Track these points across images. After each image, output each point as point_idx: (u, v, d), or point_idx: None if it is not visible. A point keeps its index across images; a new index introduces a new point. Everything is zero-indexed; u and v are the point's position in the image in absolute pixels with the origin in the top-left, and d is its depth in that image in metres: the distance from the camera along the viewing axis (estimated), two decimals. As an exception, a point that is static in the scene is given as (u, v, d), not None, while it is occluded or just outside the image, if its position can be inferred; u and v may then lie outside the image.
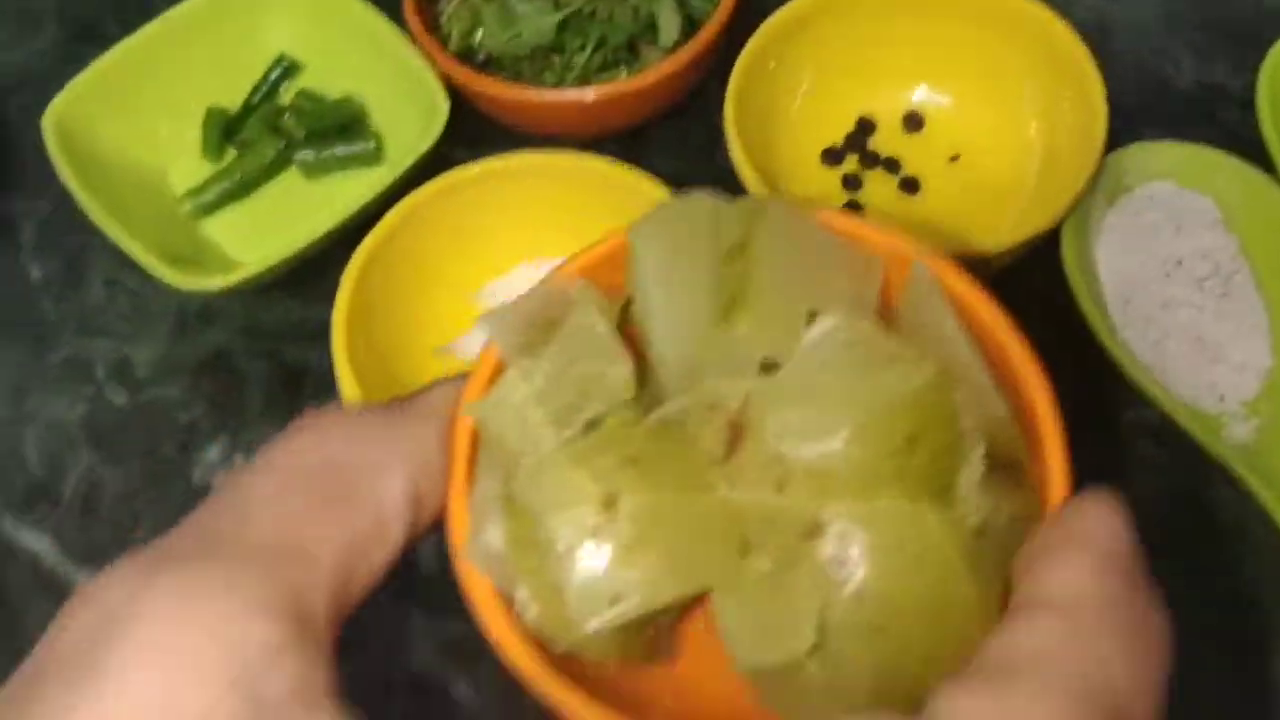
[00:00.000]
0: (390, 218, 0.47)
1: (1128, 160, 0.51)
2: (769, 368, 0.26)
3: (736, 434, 0.25)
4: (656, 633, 0.28)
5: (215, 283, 0.48)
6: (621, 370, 0.27)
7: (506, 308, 0.28)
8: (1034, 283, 0.49)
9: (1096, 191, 0.50)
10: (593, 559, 0.25)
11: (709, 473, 0.25)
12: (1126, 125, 0.50)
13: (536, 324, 0.28)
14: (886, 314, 0.28)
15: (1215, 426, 0.46)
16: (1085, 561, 0.24)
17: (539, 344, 0.28)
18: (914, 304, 0.28)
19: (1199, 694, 0.41)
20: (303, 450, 0.27)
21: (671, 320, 0.27)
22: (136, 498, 0.48)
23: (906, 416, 0.25)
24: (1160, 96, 0.56)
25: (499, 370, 0.28)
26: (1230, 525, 0.45)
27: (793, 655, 0.25)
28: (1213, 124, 0.54)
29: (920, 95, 0.54)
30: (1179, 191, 0.51)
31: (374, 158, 0.54)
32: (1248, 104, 0.52)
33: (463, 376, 0.29)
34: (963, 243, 0.46)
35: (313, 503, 0.26)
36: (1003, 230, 0.49)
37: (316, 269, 0.53)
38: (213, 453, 0.49)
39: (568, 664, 0.26)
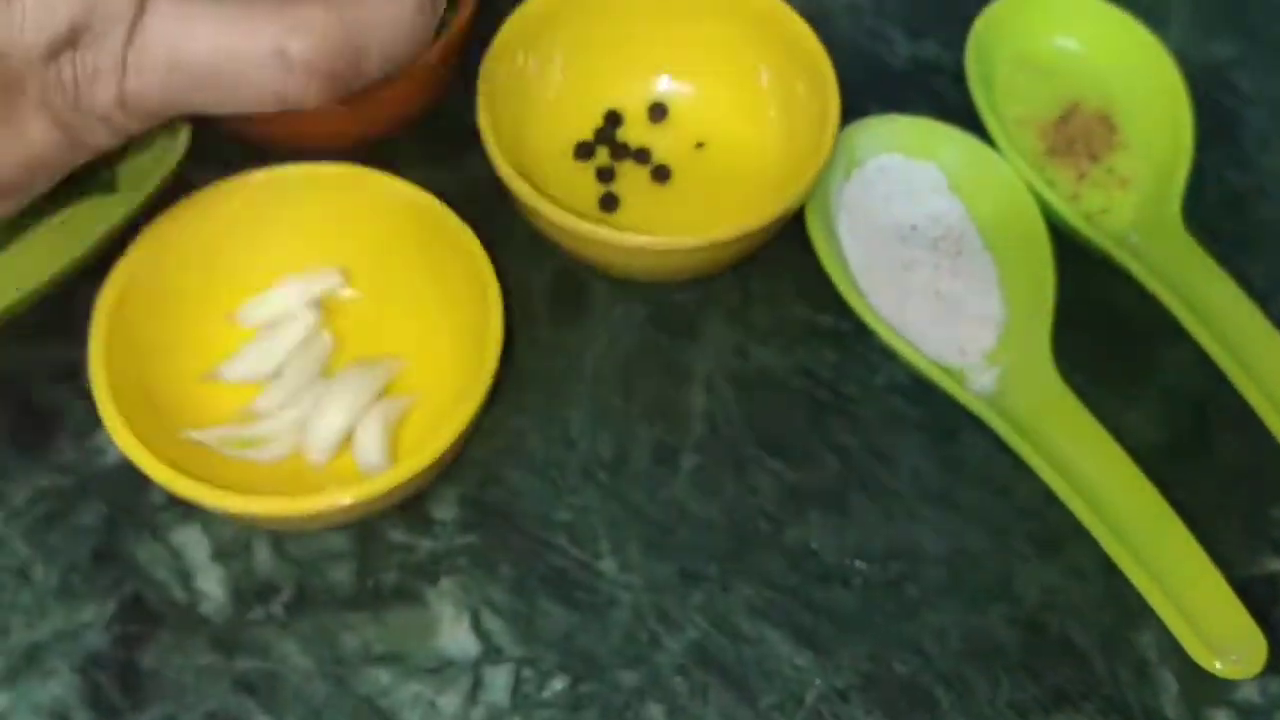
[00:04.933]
0: (136, 248, 0.45)
1: (857, 136, 0.54)
2: None
3: None
4: None
5: (-52, 329, 0.45)
6: None
7: None
8: (788, 258, 0.52)
9: (833, 167, 0.53)
10: None
11: None
12: (853, 103, 0.53)
13: None
14: None
15: (960, 379, 0.50)
16: None
17: None
18: None
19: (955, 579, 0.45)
20: None
21: None
22: (-120, 568, 0.45)
23: None
24: (880, 74, 0.59)
25: None
26: (980, 466, 0.49)
27: None
28: (930, 96, 0.58)
29: (664, 86, 0.56)
30: (906, 162, 0.55)
31: (106, 184, 0.51)
32: (958, 76, 0.56)
33: None
34: (717, 227, 0.47)
35: None
36: (752, 210, 0.52)
37: (52, 305, 0.50)
38: (-38, 511, 0.46)
39: None
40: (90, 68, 0.34)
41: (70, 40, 0.33)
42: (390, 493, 0.42)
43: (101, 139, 0.39)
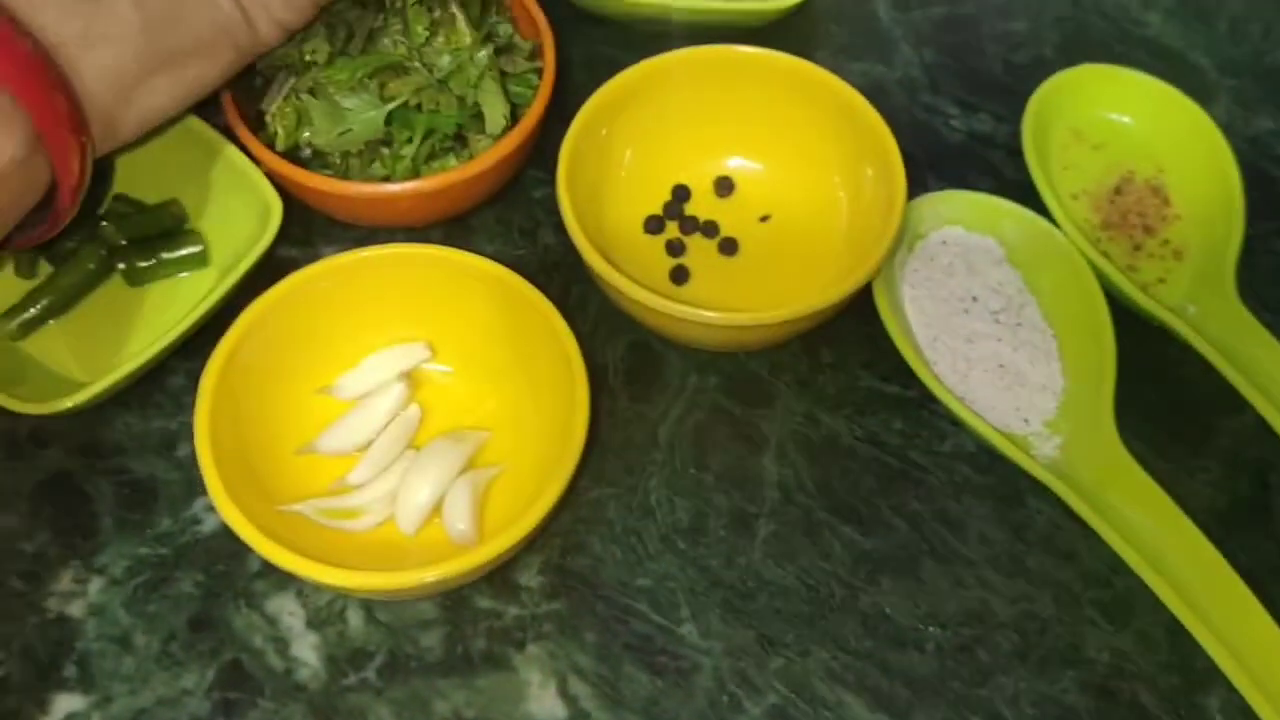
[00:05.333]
0: (236, 327, 0.47)
1: (919, 210, 0.56)
2: None
3: None
4: None
5: (60, 404, 0.47)
6: None
7: None
8: (855, 327, 0.54)
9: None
10: None
11: None
12: (913, 175, 0.54)
13: None
14: None
15: (1025, 446, 0.51)
16: None
17: None
18: None
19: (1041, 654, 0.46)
20: None
21: None
22: (-11, 636, 0.46)
23: None
24: (937, 148, 0.61)
25: None
26: (1046, 532, 0.50)
27: None
28: (987, 169, 0.60)
29: (731, 162, 0.58)
30: (966, 235, 0.56)
31: (200, 260, 0.53)
32: (1013, 149, 0.58)
33: None
34: (787, 302, 0.49)
35: None
36: (819, 282, 0.53)
37: (150, 378, 0.52)
38: (65, 580, 0.48)
39: None
40: None
41: None
42: (481, 567, 0.44)
43: (267, 28, 0.49)
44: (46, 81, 0.42)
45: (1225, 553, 0.48)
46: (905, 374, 0.52)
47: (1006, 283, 0.55)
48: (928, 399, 0.52)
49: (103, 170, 0.54)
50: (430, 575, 0.43)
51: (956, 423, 0.52)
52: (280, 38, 0.50)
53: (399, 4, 0.51)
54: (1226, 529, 0.49)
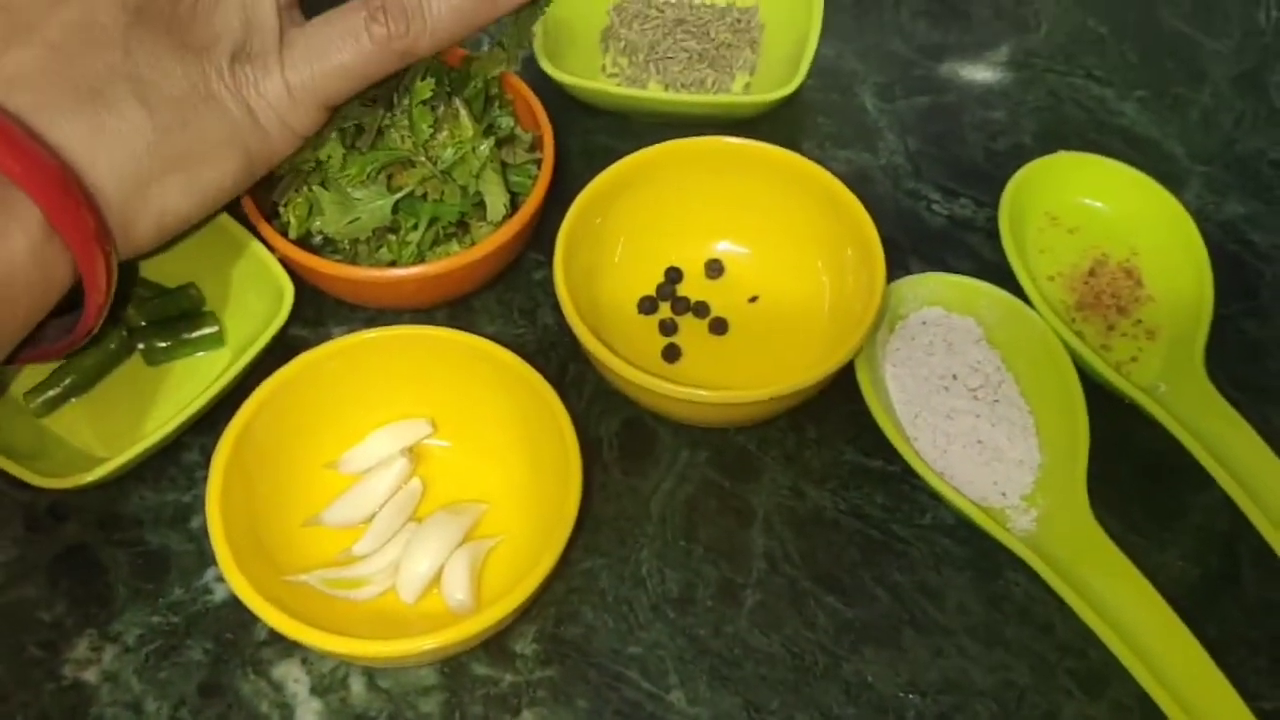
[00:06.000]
0: (248, 406, 0.49)
1: (901, 291, 0.58)
2: None
3: None
4: None
5: (80, 479, 0.49)
6: None
7: None
8: (839, 404, 0.56)
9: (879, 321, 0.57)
10: None
11: None
12: (895, 258, 0.57)
13: None
14: None
15: (1002, 520, 0.53)
16: None
17: None
18: None
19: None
20: None
21: None
22: (8, 700, 0.48)
23: None
24: (920, 233, 0.64)
25: None
26: (1023, 604, 0.52)
27: None
28: (966, 252, 0.63)
29: (721, 246, 0.61)
30: (946, 315, 0.59)
31: (216, 340, 0.56)
32: (991, 233, 0.61)
33: None
34: (773, 380, 0.51)
35: None
36: (804, 360, 0.56)
37: (165, 453, 0.54)
38: (81, 648, 0.50)
39: None
40: (260, 65, 0.50)
41: (243, 45, 0.49)
42: (478, 635, 0.46)
43: (278, 133, 0.51)
44: (73, 199, 0.44)
45: (1195, 625, 0.49)
46: (887, 449, 0.54)
47: (985, 361, 0.58)
48: (909, 474, 0.54)
49: (123, 277, 0.57)
50: (429, 644, 0.45)
51: (937, 497, 0.54)
52: (292, 143, 0.52)
53: (405, 101, 0.54)
54: (1197, 602, 0.51)
